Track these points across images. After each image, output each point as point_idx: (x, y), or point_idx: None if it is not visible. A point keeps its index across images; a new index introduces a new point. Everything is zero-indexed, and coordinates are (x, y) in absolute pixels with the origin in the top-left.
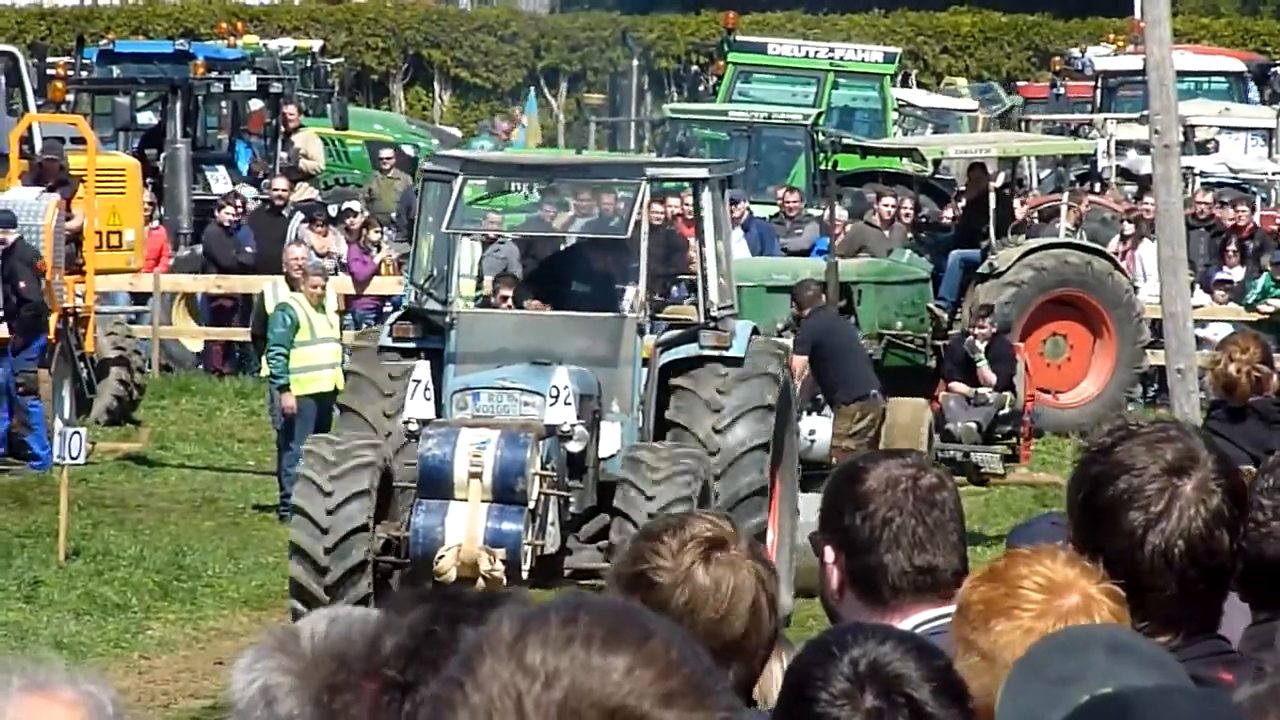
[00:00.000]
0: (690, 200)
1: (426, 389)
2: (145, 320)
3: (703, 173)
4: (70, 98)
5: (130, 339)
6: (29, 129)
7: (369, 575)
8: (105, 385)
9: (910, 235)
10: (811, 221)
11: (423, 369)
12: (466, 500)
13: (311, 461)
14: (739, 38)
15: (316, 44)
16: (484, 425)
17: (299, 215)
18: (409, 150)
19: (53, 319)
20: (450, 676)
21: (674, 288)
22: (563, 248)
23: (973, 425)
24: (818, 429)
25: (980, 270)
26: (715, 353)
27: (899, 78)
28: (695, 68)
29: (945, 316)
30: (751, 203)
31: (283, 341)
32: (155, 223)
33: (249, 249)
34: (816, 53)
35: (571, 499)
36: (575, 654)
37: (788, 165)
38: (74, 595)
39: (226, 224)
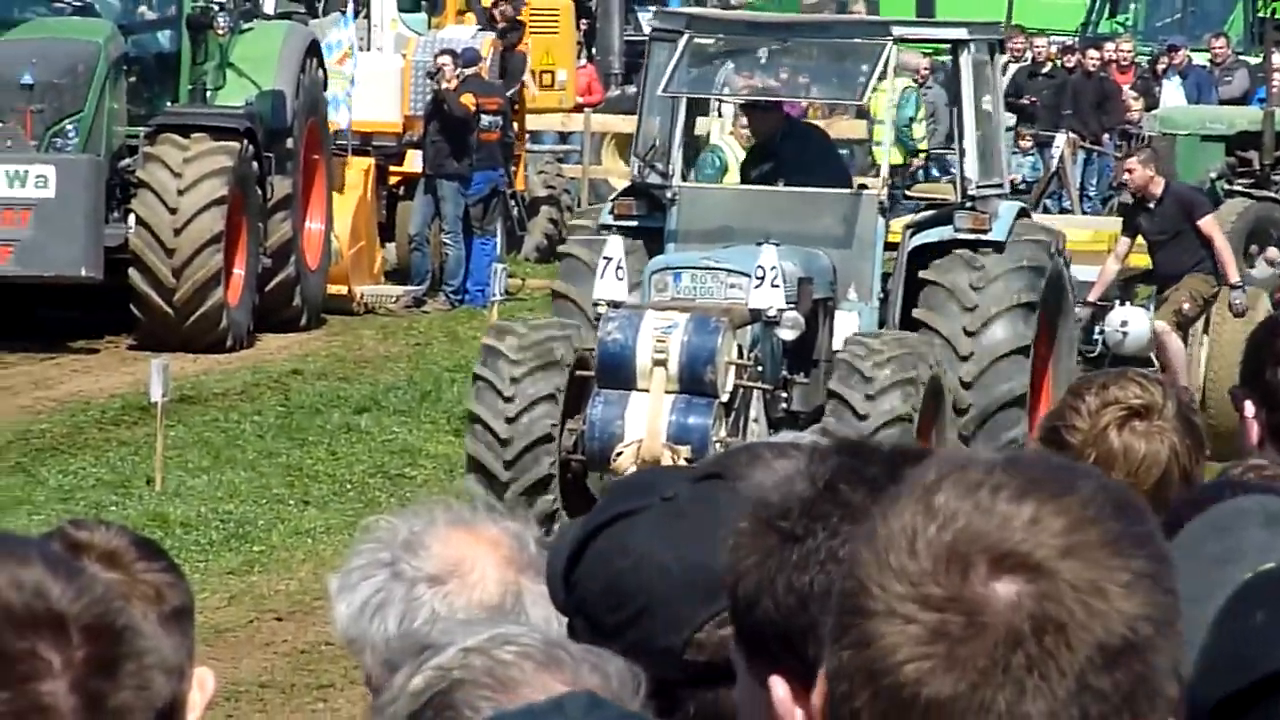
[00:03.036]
0: (1126, 48)
1: (619, 267)
2: (574, 160)
3: (961, 33)
4: None
5: (560, 178)
6: None
7: (555, 490)
8: (535, 224)
9: None
10: (1241, 69)
11: (615, 244)
12: (649, 391)
13: (490, 360)
14: None
15: None
16: (678, 309)
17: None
18: None
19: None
20: (879, 509)
21: (1105, 136)
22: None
23: None
24: (1130, 320)
25: None
26: (971, 236)
27: None
28: None
29: None
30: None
31: (709, 183)
32: (584, 62)
33: None
34: None
35: (784, 394)
36: (980, 500)
37: (1225, 12)
38: None
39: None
